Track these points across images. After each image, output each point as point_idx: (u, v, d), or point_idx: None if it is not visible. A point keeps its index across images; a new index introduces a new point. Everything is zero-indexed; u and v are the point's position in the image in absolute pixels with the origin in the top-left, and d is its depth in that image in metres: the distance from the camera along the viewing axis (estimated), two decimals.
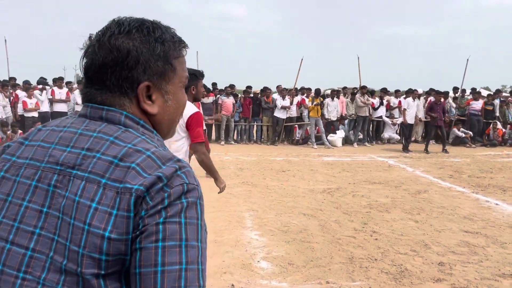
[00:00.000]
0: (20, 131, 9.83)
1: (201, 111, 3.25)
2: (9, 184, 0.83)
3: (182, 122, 2.96)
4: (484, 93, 15.60)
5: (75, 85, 12.87)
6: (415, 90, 12.71)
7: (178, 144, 2.98)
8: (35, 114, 11.10)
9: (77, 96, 11.88)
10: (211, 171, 3.23)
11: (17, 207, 0.81)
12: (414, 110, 11.73)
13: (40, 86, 12.50)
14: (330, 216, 5.31)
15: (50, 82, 13.04)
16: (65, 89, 11.99)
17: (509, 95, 15.91)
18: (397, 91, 14.15)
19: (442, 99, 11.81)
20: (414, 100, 11.86)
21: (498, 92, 15.73)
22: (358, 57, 14.10)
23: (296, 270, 3.69)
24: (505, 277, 3.56)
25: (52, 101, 11.68)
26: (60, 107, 11.72)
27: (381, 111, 13.66)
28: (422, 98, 13.76)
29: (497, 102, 14.04)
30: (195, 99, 3.21)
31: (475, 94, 14.04)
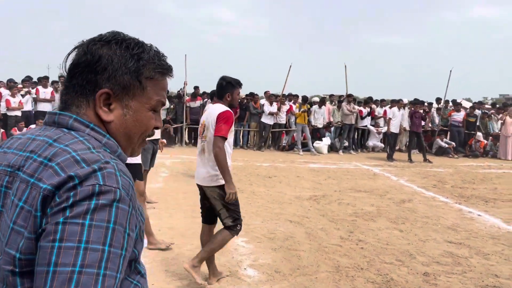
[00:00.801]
0: (2, 130, 9.63)
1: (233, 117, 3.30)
2: None
3: (213, 121, 3.15)
4: (466, 104, 15.92)
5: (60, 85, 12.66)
6: (400, 100, 12.90)
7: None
8: (18, 113, 10.89)
9: None
10: (222, 169, 3.14)
11: None
12: (399, 119, 11.92)
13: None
14: (317, 224, 5.32)
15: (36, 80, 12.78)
16: (50, 89, 11.79)
17: (490, 107, 16.23)
18: (382, 100, 14.33)
19: (421, 110, 12.15)
20: (399, 110, 12.04)
21: (480, 104, 16.06)
22: (345, 66, 14.24)
23: (283, 278, 3.68)
24: None
25: (36, 100, 11.49)
26: (44, 107, 11.52)
27: (366, 120, 13.81)
28: (406, 108, 13.97)
29: (479, 113, 14.34)
30: (230, 106, 3.33)
31: (456, 105, 14.31)
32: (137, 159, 4.16)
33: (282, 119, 13.28)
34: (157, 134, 5.30)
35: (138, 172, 4.18)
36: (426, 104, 14.83)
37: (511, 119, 13.05)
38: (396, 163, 11.40)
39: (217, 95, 3.37)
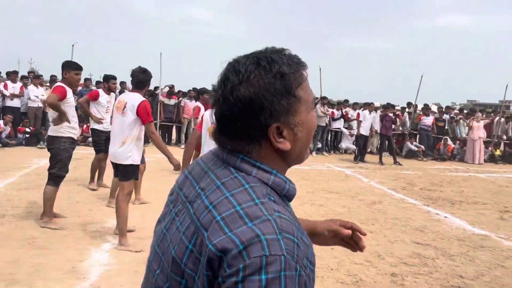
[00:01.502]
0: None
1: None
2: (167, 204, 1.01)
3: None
4: (435, 109, 16.37)
5: (30, 80, 12.27)
6: (372, 103, 13.15)
7: None
8: None
9: (31, 91, 11.37)
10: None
11: (159, 225, 0.98)
12: (369, 122, 12.15)
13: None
14: None
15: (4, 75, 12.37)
16: (19, 84, 11.44)
17: (458, 112, 16.76)
18: (355, 103, 14.57)
19: (391, 113, 12.46)
20: (370, 112, 12.27)
21: (448, 108, 16.54)
22: (320, 68, 14.40)
23: None
24: None
25: (3, 96, 11.11)
26: (12, 102, 11.17)
27: (339, 122, 14.02)
28: (378, 111, 14.25)
29: (447, 118, 14.77)
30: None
31: (426, 110, 14.70)
32: (138, 161, 4.28)
33: None
34: None
35: (137, 172, 4.38)
36: (399, 108, 15.20)
37: (477, 124, 13.52)
38: (367, 165, 11.61)
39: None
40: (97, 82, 12.31)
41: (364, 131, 12.06)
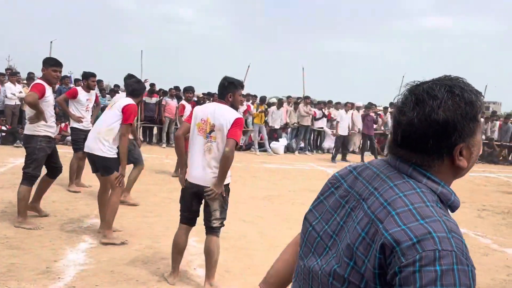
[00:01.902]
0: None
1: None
2: (332, 197, 1.13)
3: (227, 125, 3.21)
4: None
5: (7, 78, 11.96)
6: (348, 102, 13.27)
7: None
8: None
9: (7, 89, 11.09)
10: (225, 171, 3.24)
11: (330, 215, 1.10)
12: (346, 122, 12.22)
13: None
14: (270, 223, 5.34)
15: None
16: None
17: None
18: (337, 103, 14.67)
19: (373, 113, 12.62)
20: (346, 112, 12.36)
21: None
22: (303, 68, 14.48)
23: (233, 277, 3.66)
24: None
25: None
26: None
27: (322, 122, 14.08)
28: (360, 110, 14.37)
29: None
30: (232, 106, 3.36)
31: None
32: (114, 154, 4.27)
33: None
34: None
35: (117, 165, 4.30)
36: (382, 108, 15.36)
37: None
38: (343, 163, 11.67)
39: (219, 94, 3.37)
40: (76, 80, 12.06)
41: (343, 130, 12.14)
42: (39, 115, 4.47)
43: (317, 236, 1.10)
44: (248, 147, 13.31)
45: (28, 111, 4.63)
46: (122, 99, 4.44)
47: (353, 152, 14.13)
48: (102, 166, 4.29)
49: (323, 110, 14.18)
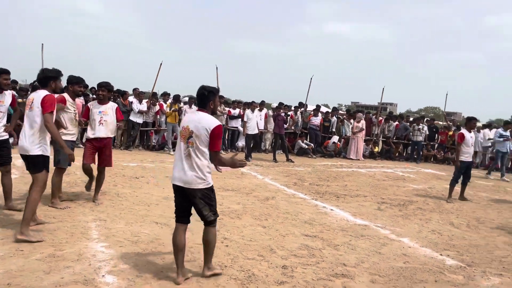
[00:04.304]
0: None
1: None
2: None
3: (206, 134, 3.52)
4: (324, 110, 17.55)
5: None
6: (253, 102, 13.65)
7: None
8: None
9: None
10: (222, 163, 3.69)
11: None
12: (254, 121, 12.57)
13: None
14: None
15: None
16: None
17: (345, 112, 18.16)
18: (252, 103, 14.90)
19: (283, 113, 13.10)
20: (253, 112, 12.68)
21: (335, 109, 17.84)
22: (216, 67, 14.45)
23: (145, 282, 3.54)
24: (337, 277, 4.00)
25: None
26: None
27: (236, 121, 14.24)
28: (269, 110, 14.81)
29: (334, 119, 15.91)
30: (212, 113, 3.68)
31: (314, 110, 15.65)
32: (47, 152, 4.53)
33: (151, 118, 12.96)
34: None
35: (47, 163, 4.56)
36: (292, 108, 15.93)
37: (358, 124, 14.81)
38: (262, 162, 11.96)
39: (200, 103, 3.66)
40: None
41: (251, 129, 12.44)
42: None
43: None
44: (161, 146, 12.98)
45: None
46: (37, 96, 4.50)
47: (265, 150, 14.49)
48: (33, 162, 4.46)
49: (239, 109, 14.33)
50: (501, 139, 12.82)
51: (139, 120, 12.50)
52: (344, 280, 3.92)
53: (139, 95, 12.75)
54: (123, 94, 12.43)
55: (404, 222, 6.39)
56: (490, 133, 15.18)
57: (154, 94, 13.64)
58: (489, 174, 13.08)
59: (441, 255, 4.94)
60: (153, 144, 13.18)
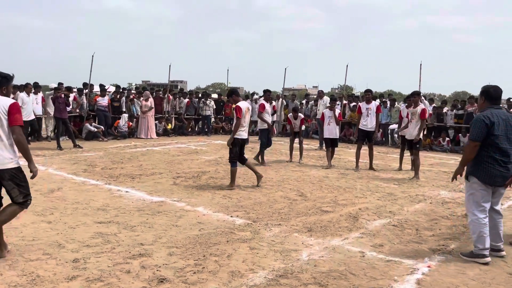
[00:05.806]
0: None
1: None
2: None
3: (4, 112, 3.56)
4: (112, 89, 16.71)
5: None
6: (28, 84, 12.28)
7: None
8: None
9: None
10: (26, 152, 3.65)
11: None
12: (30, 105, 11.47)
13: None
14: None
15: None
16: None
17: (134, 92, 17.67)
18: (27, 85, 13.03)
19: (63, 95, 12.05)
20: (28, 95, 11.48)
21: (124, 89, 17.22)
22: None
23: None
24: (135, 258, 3.89)
25: None
26: None
27: None
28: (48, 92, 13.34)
29: (123, 99, 15.31)
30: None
31: (102, 91, 14.75)
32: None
33: None
34: None
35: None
36: (75, 89, 14.64)
37: (146, 102, 14.63)
38: (44, 152, 10.67)
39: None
40: None
41: (27, 116, 11.34)
42: None
43: None
44: None
45: None
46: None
47: (47, 138, 12.98)
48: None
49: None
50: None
51: None
52: (142, 260, 3.85)
53: None
54: None
55: (198, 192, 6.70)
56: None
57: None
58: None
59: (231, 216, 5.38)
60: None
